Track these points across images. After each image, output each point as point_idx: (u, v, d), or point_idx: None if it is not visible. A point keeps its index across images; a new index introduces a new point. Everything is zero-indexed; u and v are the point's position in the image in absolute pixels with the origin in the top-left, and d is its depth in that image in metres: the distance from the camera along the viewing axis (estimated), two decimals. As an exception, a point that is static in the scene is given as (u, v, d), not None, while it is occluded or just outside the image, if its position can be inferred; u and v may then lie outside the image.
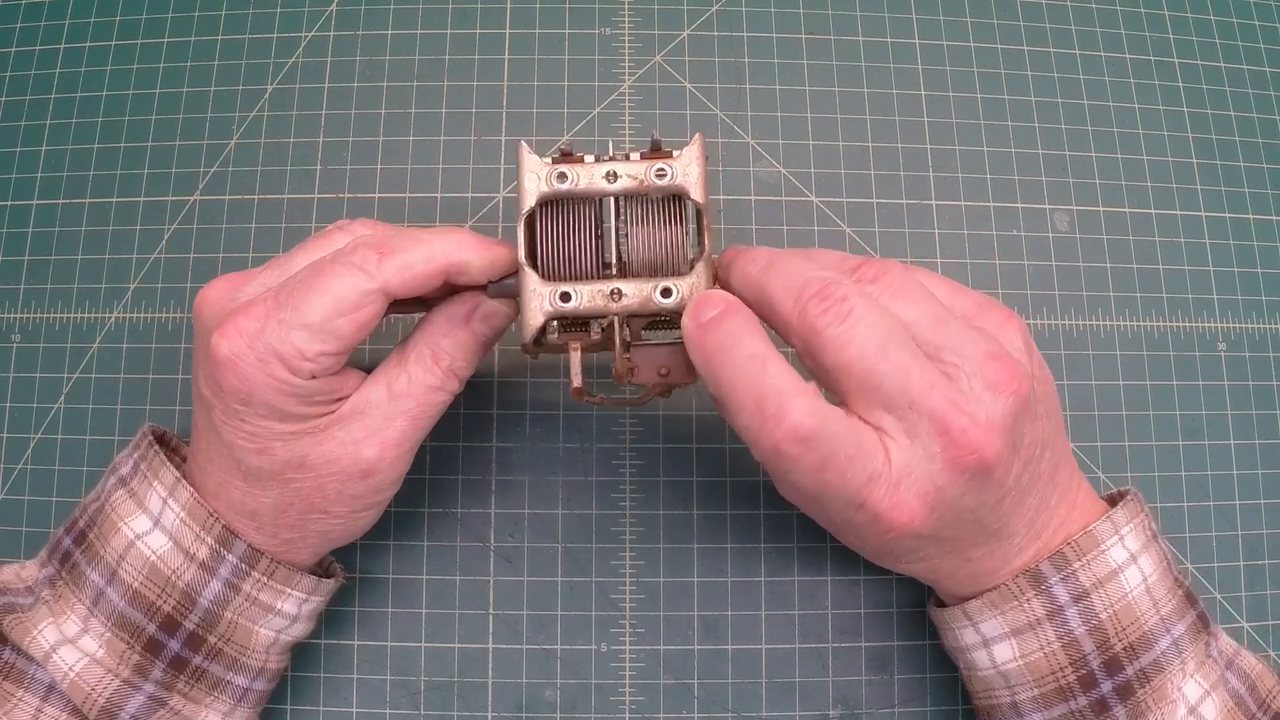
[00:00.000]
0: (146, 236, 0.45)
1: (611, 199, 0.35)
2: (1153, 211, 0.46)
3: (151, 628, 0.34)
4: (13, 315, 0.44)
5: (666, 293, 0.34)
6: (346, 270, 0.33)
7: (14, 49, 0.47)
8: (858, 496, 0.31)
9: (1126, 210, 0.46)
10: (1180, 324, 0.45)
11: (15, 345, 0.44)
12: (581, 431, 0.43)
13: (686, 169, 0.35)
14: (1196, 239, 0.45)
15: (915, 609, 0.41)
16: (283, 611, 0.36)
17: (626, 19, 0.47)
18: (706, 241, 0.35)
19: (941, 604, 0.37)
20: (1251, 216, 0.46)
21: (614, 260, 0.35)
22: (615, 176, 0.35)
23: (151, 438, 0.36)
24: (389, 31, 0.47)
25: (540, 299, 0.34)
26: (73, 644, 0.34)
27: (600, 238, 0.35)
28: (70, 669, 0.33)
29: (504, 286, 0.36)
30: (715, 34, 0.47)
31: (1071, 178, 0.46)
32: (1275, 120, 0.47)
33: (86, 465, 0.43)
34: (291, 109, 0.46)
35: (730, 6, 0.47)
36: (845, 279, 0.33)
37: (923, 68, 0.47)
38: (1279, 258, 0.46)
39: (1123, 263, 0.45)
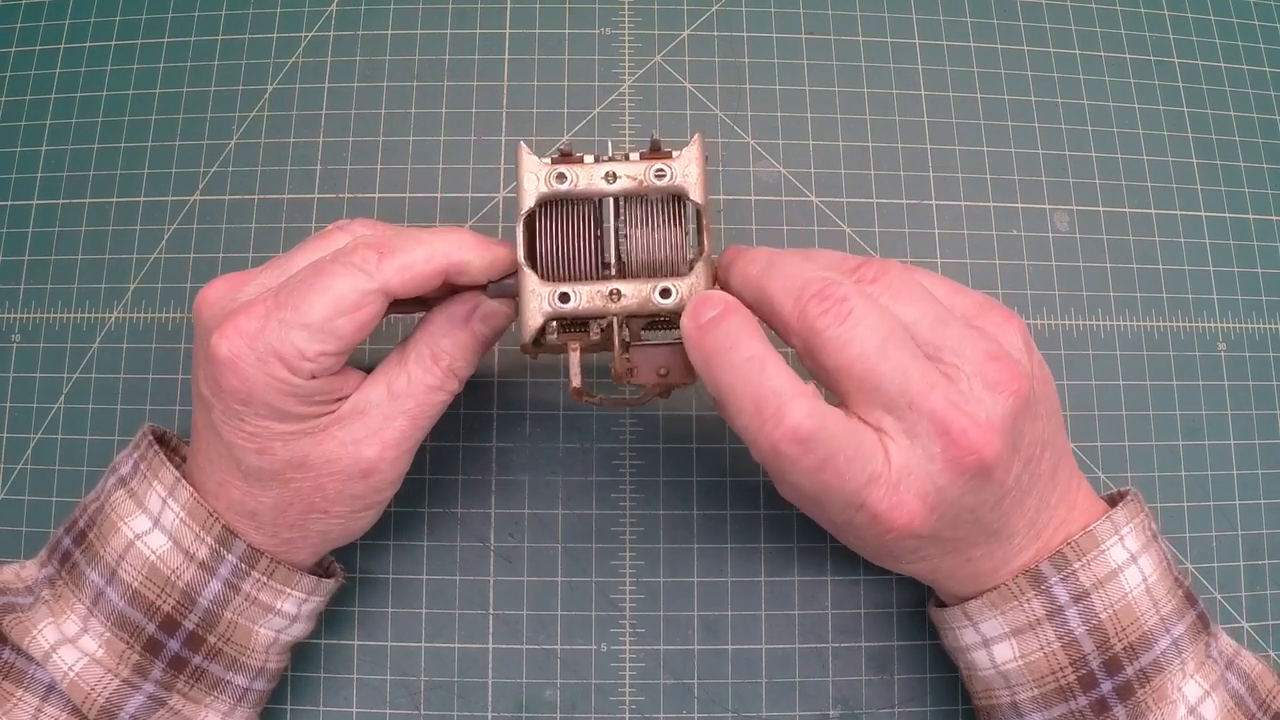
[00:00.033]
0: (146, 236, 0.45)
1: (611, 199, 0.35)
2: (1153, 211, 0.46)
3: (151, 627, 0.34)
4: (13, 315, 0.44)
5: (666, 293, 0.34)
6: (346, 270, 0.33)
7: (14, 49, 0.47)
8: (857, 497, 0.31)
9: (1126, 210, 0.46)
10: (1180, 324, 0.45)
11: (15, 345, 0.44)
12: (581, 431, 0.43)
13: (686, 169, 0.35)
14: (1196, 239, 0.45)
15: (915, 609, 0.41)
16: (282, 611, 0.36)
17: (626, 19, 0.47)
18: (706, 242, 0.35)
19: (941, 604, 0.37)
20: (1251, 216, 0.46)
21: (613, 261, 0.35)
22: (615, 177, 0.35)
23: (151, 438, 0.36)
24: (389, 31, 0.47)
25: (539, 299, 0.34)
26: (72, 644, 0.34)
27: (600, 238, 0.35)
28: (70, 669, 0.33)
29: (504, 287, 0.36)
30: (715, 34, 0.47)
31: (1071, 178, 0.46)
32: (1275, 120, 0.47)
33: (86, 465, 0.43)
34: (291, 109, 0.46)
35: (730, 6, 0.47)
36: (845, 279, 0.33)
37: (923, 68, 0.47)
38: (1279, 258, 0.46)
39: (1123, 263, 0.45)
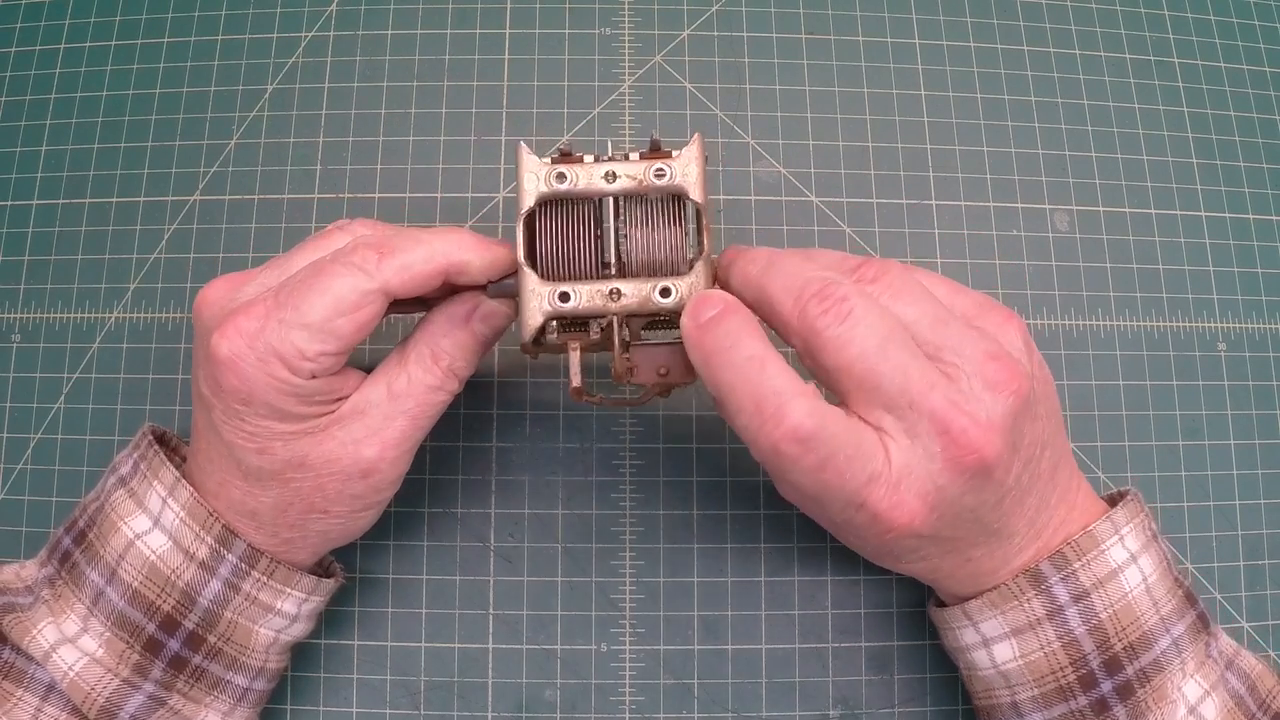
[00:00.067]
0: (146, 236, 0.45)
1: (611, 199, 0.35)
2: (1153, 211, 0.46)
3: (151, 627, 0.34)
4: (13, 315, 0.44)
5: (665, 293, 0.34)
6: (346, 270, 0.33)
7: (14, 49, 0.47)
8: (857, 496, 0.31)
9: (1126, 210, 0.46)
10: (1180, 324, 0.45)
11: (15, 345, 0.44)
12: (581, 431, 0.43)
13: (686, 169, 0.35)
14: (1196, 239, 0.45)
15: (915, 609, 0.41)
16: (282, 611, 0.36)
17: (626, 19, 0.47)
18: (706, 241, 0.35)
19: (941, 604, 0.37)
20: (1251, 216, 0.46)
21: (613, 260, 0.35)
22: (614, 177, 0.35)
23: (151, 438, 0.36)
24: (389, 31, 0.47)
25: (539, 299, 0.34)
26: (72, 643, 0.34)
27: (599, 238, 0.35)
28: (70, 668, 0.33)
29: (504, 286, 0.36)
30: (715, 34, 0.47)
31: (1071, 178, 0.46)
32: (1275, 120, 0.47)
33: (86, 465, 0.43)
34: (291, 109, 0.46)
35: (730, 6, 0.47)
36: (845, 279, 0.33)
37: (923, 68, 0.47)
38: (1279, 258, 0.46)
39: (1123, 263, 0.45)
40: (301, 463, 0.34)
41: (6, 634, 0.34)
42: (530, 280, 0.34)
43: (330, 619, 0.41)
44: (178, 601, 0.34)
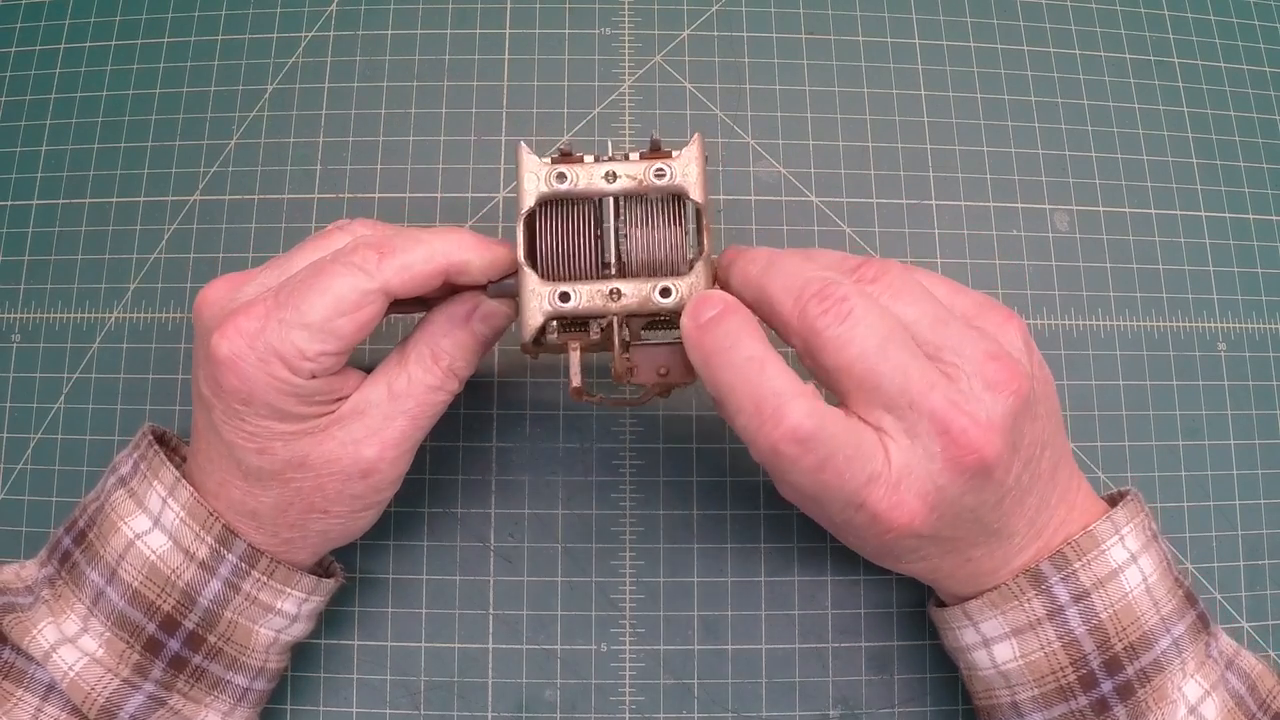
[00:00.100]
0: (146, 236, 0.45)
1: (611, 199, 0.35)
2: (1153, 211, 0.46)
3: (151, 627, 0.34)
4: (13, 315, 0.44)
5: (665, 293, 0.34)
6: (346, 270, 0.33)
7: (14, 49, 0.47)
8: (857, 497, 0.31)
9: (1126, 210, 0.46)
10: (1180, 324, 0.45)
11: (15, 345, 0.44)
12: (581, 431, 0.43)
13: (685, 169, 0.35)
14: (1196, 239, 0.45)
15: (915, 609, 0.41)
16: (282, 611, 0.36)
17: (626, 19, 0.47)
18: (706, 241, 0.35)
19: (941, 604, 0.37)
20: (1251, 216, 0.46)
21: (613, 260, 0.35)
22: (614, 177, 0.35)
23: (151, 438, 0.36)
24: (389, 31, 0.47)
25: (540, 299, 0.34)
26: (72, 643, 0.34)
27: (600, 238, 0.35)
28: (70, 668, 0.33)
29: (504, 286, 0.36)
30: (715, 34, 0.47)
31: (1071, 178, 0.46)
32: (1275, 120, 0.47)
33: (86, 465, 0.43)
34: (291, 109, 0.46)
35: (730, 6, 0.47)
36: (845, 279, 0.33)
37: (923, 68, 0.47)
38: (1279, 258, 0.46)
39: (1123, 263, 0.45)
40: (302, 463, 0.34)
41: (7, 634, 0.34)
42: (530, 280, 0.35)
43: (330, 619, 0.41)
44: (178, 601, 0.34)
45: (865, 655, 0.41)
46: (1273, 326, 0.45)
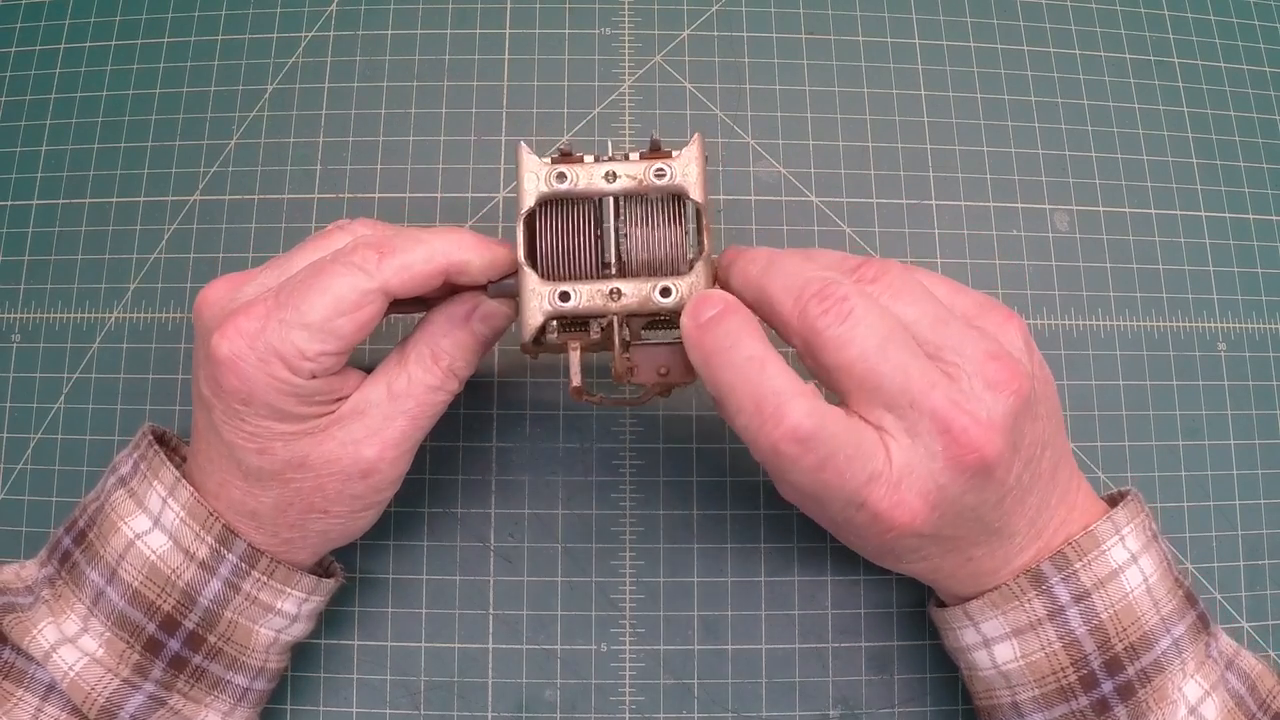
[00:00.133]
0: (146, 236, 0.45)
1: (611, 199, 0.35)
2: (1153, 211, 0.46)
3: (151, 627, 0.34)
4: (13, 315, 0.44)
5: (666, 292, 0.34)
6: (346, 270, 0.33)
7: (14, 49, 0.47)
8: (857, 496, 0.31)
9: (1126, 210, 0.46)
10: (1180, 324, 0.45)
11: (15, 345, 0.44)
12: (581, 431, 0.43)
13: (686, 169, 0.35)
14: (1196, 239, 0.45)
15: (915, 609, 0.41)
16: (282, 611, 0.35)
17: (626, 19, 0.47)
18: (706, 241, 0.35)
19: (942, 604, 0.37)
20: (1251, 216, 0.46)
21: (613, 260, 0.35)
22: (615, 176, 0.35)
23: (151, 438, 0.36)
24: (389, 31, 0.47)
25: (540, 299, 0.34)
26: (72, 643, 0.34)
27: (600, 238, 0.35)
28: (70, 668, 0.33)
29: (504, 286, 0.36)
30: (715, 34, 0.47)
31: (1071, 178, 0.46)
32: (1275, 120, 0.47)
33: (86, 465, 0.43)
34: (291, 109, 0.46)
35: (730, 6, 0.47)
36: (845, 279, 0.33)
37: (923, 68, 0.47)
38: (1279, 258, 0.46)
39: (1123, 263, 0.45)
40: (301, 463, 0.34)
41: (7, 634, 0.34)
42: (530, 280, 0.34)
43: (330, 619, 0.41)
44: (178, 601, 0.34)
45: (865, 655, 0.41)
46: (1273, 326, 0.45)
